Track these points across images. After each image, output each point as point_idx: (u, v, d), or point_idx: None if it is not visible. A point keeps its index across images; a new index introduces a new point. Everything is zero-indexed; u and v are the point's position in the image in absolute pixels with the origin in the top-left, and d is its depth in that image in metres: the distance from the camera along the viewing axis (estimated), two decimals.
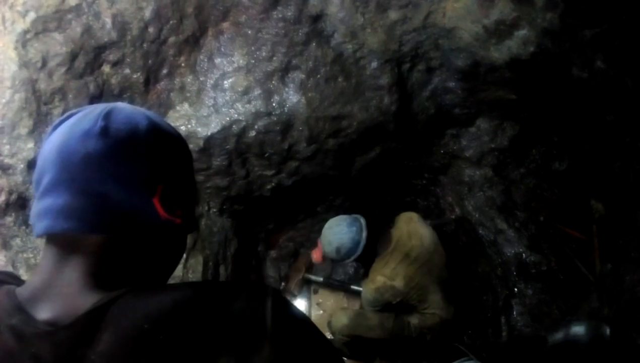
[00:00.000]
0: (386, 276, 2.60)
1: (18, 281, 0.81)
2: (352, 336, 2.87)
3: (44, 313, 0.68)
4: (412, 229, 2.75)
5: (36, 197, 0.75)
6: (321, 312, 3.41)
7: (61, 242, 0.73)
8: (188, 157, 0.87)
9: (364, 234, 2.68)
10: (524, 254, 2.97)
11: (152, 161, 0.75)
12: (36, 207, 0.74)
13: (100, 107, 0.77)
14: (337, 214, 3.58)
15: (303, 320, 0.75)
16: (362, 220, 2.76)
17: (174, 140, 0.82)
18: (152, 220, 0.74)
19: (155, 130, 0.78)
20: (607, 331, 1.91)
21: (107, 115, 0.75)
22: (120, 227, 0.72)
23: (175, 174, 0.80)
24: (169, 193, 0.77)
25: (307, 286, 3.51)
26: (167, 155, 0.79)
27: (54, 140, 0.75)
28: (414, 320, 2.74)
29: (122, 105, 0.79)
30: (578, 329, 1.99)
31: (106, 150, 0.71)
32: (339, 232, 2.69)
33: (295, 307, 0.75)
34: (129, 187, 0.72)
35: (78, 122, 0.75)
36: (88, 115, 0.76)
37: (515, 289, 2.92)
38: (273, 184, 3.08)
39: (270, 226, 3.52)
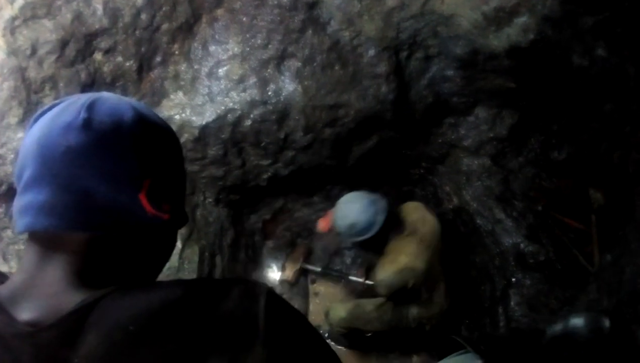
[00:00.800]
0: (409, 257, 2.53)
1: (1, 277, 0.78)
2: (350, 328, 2.86)
3: (25, 313, 0.64)
4: (424, 216, 2.71)
5: (17, 192, 0.72)
6: (319, 302, 3.39)
7: (43, 239, 0.69)
8: (177, 149, 0.83)
9: (381, 218, 2.59)
10: (522, 244, 2.94)
11: (138, 155, 0.71)
12: (17, 202, 0.71)
13: (83, 98, 0.73)
14: (334, 204, 3.57)
15: (297, 319, 0.72)
16: (383, 203, 2.65)
17: (162, 132, 0.79)
18: (139, 216, 0.71)
19: (141, 122, 0.74)
20: (607, 323, 1.89)
21: (90, 107, 0.70)
22: (104, 225, 0.68)
23: (163, 168, 0.76)
24: (157, 189, 0.73)
25: (304, 276, 3.49)
26: (155, 149, 0.75)
27: (35, 132, 0.71)
28: (413, 310, 2.72)
29: (107, 96, 0.75)
30: (577, 321, 1.96)
31: (89, 144, 0.67)
32: (357, 208, 2.59)
33: (289, 305, 0.73)
34: (113, 183, 0.68)
35: (60, 113, 0.71)
36: (70, 107, 0.71)
37: (513, 279, 2.90)
38: (269, 174, 3.05)
39: (267, 216, 3.49)
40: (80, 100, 0.73)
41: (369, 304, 2.79)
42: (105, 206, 0.68)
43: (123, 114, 0.72)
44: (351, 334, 2.92)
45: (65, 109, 0.71)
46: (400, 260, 2.54)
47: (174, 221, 0.77)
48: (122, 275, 0.72)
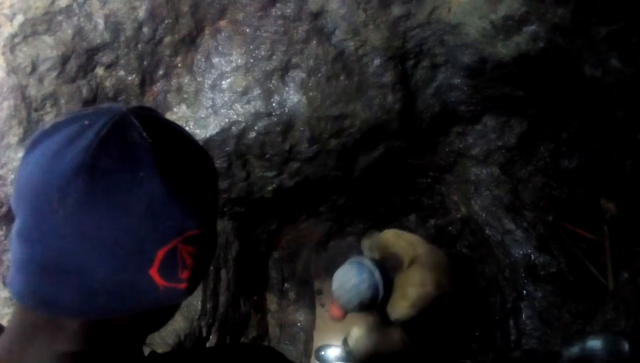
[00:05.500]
0: (417, 287, 2.44)
1: None
2: (375, 353, 2.79)
3: None
4: (410, 239, 2.63)
5: (14, 225, 0.60)
6: (325, 319, 3.36)
7: (31, 313, 0.59)
8: (213, 191, 0.66)
9: (377, 274, 2.43)
10: (532, 255, 2.89)
11: (156, 219, 0.55)
12: (14, 246, 0.59)
13: (99, 122, 0.55)
14: (340, 214, 3.53)
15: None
16: (366, 261, 2.51)
17: (198, 178, 0.63)
18: (146, 295, 0.58)
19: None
20: (626, 346, 1.83)
21: (103, 144, 0.53)
22: (101, 311, 0.57)
23: (190, 226, 0.59)
24: (174, 258, 0.58)
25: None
26: (187, 201, 0.58)
27: (31, 167, 0.56)
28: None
29: (131, 123, 0.56)
30: (594, 343, 1.91)
31: (88, 204, 0.52)
32: (352, 287, 2.42)
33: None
34: (116, 260, 0.54)
35: (63, 147, 0.54)
36: (77, 141, 0.54)
37: (524, 291, 2.85)
38: (274, 185, 3.00)
39: (273, 227, 3.45)
40: (95, 124, 0.55)
41: (391, 327, 2.71)
42: (104, 290, 0.55)
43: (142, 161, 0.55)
44: (371, 357, 2.86)
45: (70, 142, 0.54)
46: (411, 294, 2.43)
47: (192, 286, 0.62)
48: (112, 344, 0.62)
